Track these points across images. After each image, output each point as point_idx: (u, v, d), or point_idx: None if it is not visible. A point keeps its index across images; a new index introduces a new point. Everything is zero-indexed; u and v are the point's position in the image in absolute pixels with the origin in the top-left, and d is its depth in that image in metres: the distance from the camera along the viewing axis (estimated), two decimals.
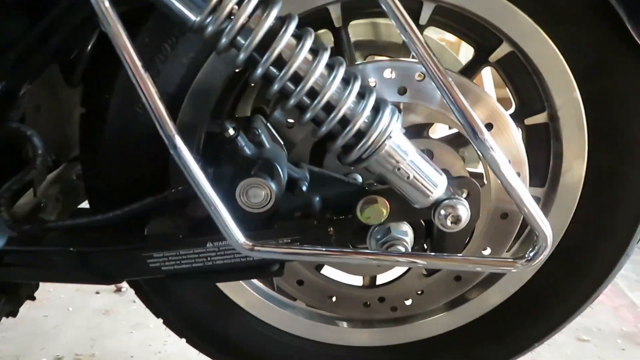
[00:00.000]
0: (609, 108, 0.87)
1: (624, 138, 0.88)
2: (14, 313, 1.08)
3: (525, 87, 0.92)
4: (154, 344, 1.45)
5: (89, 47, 0.87)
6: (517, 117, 0.95)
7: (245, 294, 1.05)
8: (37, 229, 0.84)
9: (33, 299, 1.10)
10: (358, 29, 1.10)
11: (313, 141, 0.85)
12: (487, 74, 1.40)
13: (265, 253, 0.69)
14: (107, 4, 0.62)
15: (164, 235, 0.81)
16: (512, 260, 0.68)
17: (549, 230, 0.64)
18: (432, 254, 0.75)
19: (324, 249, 0.72)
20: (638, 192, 0.91)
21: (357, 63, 0.84)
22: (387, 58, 0.84)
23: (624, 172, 0.90)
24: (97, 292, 1.70)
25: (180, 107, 0.87)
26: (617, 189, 0.92)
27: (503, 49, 0.88)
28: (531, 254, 0.65)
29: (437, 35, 1.19)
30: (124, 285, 1.71)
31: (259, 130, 0.77)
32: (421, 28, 0.90)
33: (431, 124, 0.93)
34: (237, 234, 0.66)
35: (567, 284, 1.00)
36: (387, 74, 0.81)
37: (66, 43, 0.73)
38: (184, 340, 1.11)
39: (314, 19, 0.87)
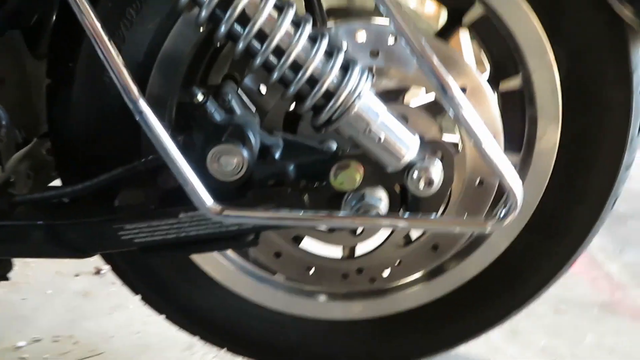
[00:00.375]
0: (581, 72, 0.86)
1: (597, 101, 0.88)
2: None
3: (499, 51, 0.92)
4: (134, 324, 1.43)
5: (53, 15, 0.85)
6: (492, 82, 0.94)
7: (223, 268, 1.04)
8: (4, 203, 0.82)
9: (6, 279, 1.08)
10: None
11: (286, 109, 0.84)
12: (466, 41, 1.37)
13: (235, 218, 0.68)
14: None
15: (135, 206, 0.79)
16: (483, 220, 0.68)
17: (519, 188, 0.64)
18: (405, 215, 0.75)
19: (296, 213, 0.70)
20: (611, 156, 0.91)
21: (329, 26, 0.82)
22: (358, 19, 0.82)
23: (597, 136, 0.90)
24: (77, 275, 1.67)
25: (149, 76, 0.85)
26: (590, 153, 0.92)
27: (476, 11, 0.87)
28: (502, 213, 0.65)
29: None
30: (104, 267, 1.69)
31: (229, 96, 0.75)
32: None
33: (406, 90, 0.92)
34: (205, 198, 0.64)
35: (543, 251, 1.00)
36: (360, 37, 0.80)
37: (23, 7, 0.71)
38: (164, 318, 1.11)
39: None
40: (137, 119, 0.63)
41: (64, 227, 0.80)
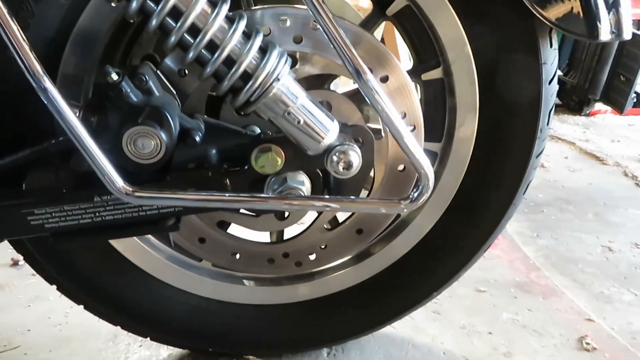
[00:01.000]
0: (496, 65, 0.90)
1: (508, 93, 0.92)
2: None
3: (422, 42, 0.94)
4: (54, 317, 1.36)
5: None
6: (415, 73, 0.97)
7: (147, 255, 1.01)
8: None
9: None
10: None
11: (207, 92, 0.82)
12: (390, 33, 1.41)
13: (147, 199, 0.66)
14: None
15: (45, 189, 0.75)
16: (397, 200, 0.70)
17: (430, 170, 0.67)
18: (324, 197, 0.76)
19: (209, 194, 0.70)
20: (523, 144, 0.97)
21: (253, 8, 0.81)
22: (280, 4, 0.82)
23: (510, 126, 0.95)
24: None
25: (62, 54, 0.81)
26: (505, 141, 0.97)
27: (399, 2, 0.89)
28: (415, 194, 0.68)
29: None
30: (21, 258, 1.60)
31: (147, 77, 0.73)
32: None
33: (331, 78, 0.93)
34: (115, 178, 0.62)
35: (462, 233, 1.05)
36: (283, 21, 0.79)
37: None
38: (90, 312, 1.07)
39: None
40: (40, 95, 0.60)
41: None
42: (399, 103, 0.89)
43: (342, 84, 1.20)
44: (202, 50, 0.63)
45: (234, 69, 0.64)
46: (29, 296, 1.46)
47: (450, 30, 0.89)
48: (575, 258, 1.66)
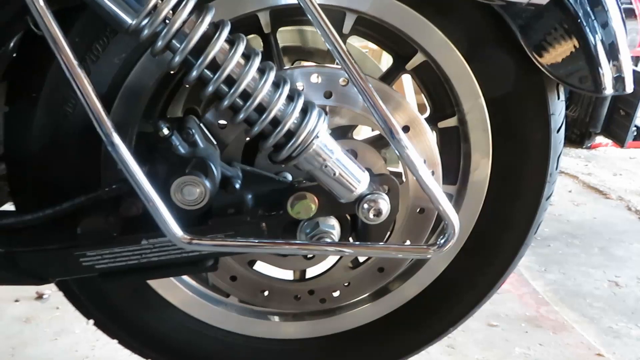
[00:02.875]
0: (507, 114, 0.98)
1: (521, 140, 0.99)
2: None
3: (438, 94, 1.02)
4: (80, 349, 1.41)
5: (12, 42, 0.86)
6: (432, 121, 1.05)
7: (178, 291, 1.07)
8: None
9: None
10: (286, 35, 1.15)
11: (245, 141, 0.89)
12: (408, 82, 1.51)
13: (203, 246, 0.72)
14: (41, 2, 0.63)
15: (97, 233, 0.81)
16: (426, 246, 0.76)
17: (456, 219, 0.73)
18: (356, 242, 0.82)
19: (258, 241, 0.76)
20: (534, 187, 1.03)
21: (286, 68, 0.89)
22: (314, 64, 0.90)
23: (522, 170, 1.02)
24: (17, 300, 1.62)
25: (112, 107, 0.88)
26: (517, 185, 1.03)
27: (418, 58, 0.97)
28: (442, 241, 0.74)
29: (359, 43, 1.27)
30: (46, 291, 1.65)
31: (193, 130, 0.80)
32: (344, 36, 0.97)
33: (355, 126, 1.00)
34: (175, 228, 0.68)
35: (476, 272, 1.11)
36: (314, 78, 0.87)
37: None
38: (112, 343, 1.11)
39: (244, 25, 0.92)
40: (109, 149, 0.67)
41: (23, 255, 0.81)
42: (419, 150, 0.96)
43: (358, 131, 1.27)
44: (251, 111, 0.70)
45: (278, 129, 0.71)
46: (55, 329, 1.51)
47: (465, 83, 0.97)
48: (583, 292, 1.70)
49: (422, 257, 0.95)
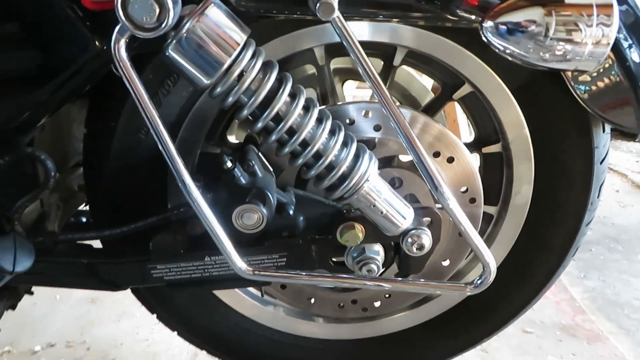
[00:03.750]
0: (552, 146, 1.01)
1: (562, 170, 1.02)
2: (13, 306, 1.17)
3: (483, 121, 1.06)
4: (141, 332, 1.55)
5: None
6: (476, 146, 1.09)
7: (232, 293, 1.17)
8: (49, 242, 0.93)
9: (31, 293, 1.19)
10: (338, 59, 1.20)
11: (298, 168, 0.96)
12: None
13: (264, 277, 0.81)
14: (124, 55, 0.71)
15: (167, 249, 0.91)
16: (464, 285, 0.82)
17: (493, 264, 0.78)
18: (399, 279, 0.89)
19: (310, 274, 0.83)
20: (574, 214, 1.06)
21: (340, 103, 0.96)
22: (365, 101, 0.95)
23: (562, 199, 1.05)
24: None
25: (178, 132, 0.97)
26: (557, 211, 1.07)
27: (465, 89, 1.01)
28: (479, 282, 0.80)
29: None
30: None
31: (252, 162, 0.88)
32: (394, 68, 1.02)
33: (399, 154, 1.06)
34: (238, 262, 0.77)
35: (513, 288, 1.16)
36: (365, 113, 0.93)
37: (85, 83, 0.82)
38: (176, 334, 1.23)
39: (301, 58, 0.99)
40: (182, 189, 0.75)
41: (103, 266, 0.93)
42: (461, 179, 1.01)
43: None
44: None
45: (332, 173, 0.78)
46: (118, 312, 1.66)
47: (510, 114, 1.00)
48: (621, 302, 1.71)
49: (461, 295, 1.01)
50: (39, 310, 1.65)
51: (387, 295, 1.15)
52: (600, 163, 1.02)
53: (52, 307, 1.67)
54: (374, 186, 0.79)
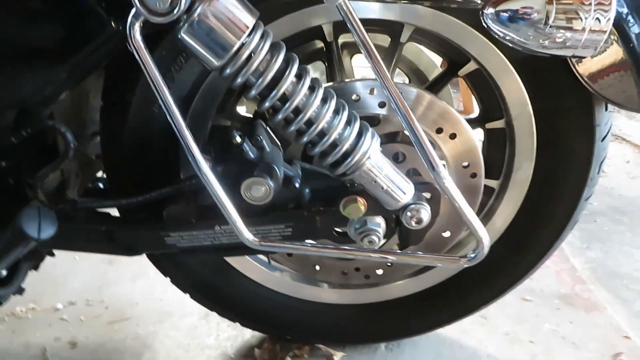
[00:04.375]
0: (554, 123, 1.03)
1: (563, 147, 1.05)
2: (36, 267, 1.25)
3: (488, 98, 1.08)
4: (155, 292, 1.63)
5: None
6: (480, 121, 1.11)
7: (240, 258, 1.23)
8: (69, 209, 0.99)
9: (53, 255, 1.26)
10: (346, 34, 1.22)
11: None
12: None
13: (269, 247, 0.86)
14: (138, 38, 0.74)
15: (179, 218, 0.97)
16: (458, 258, 0.87)
17: (487, 238, 0.82)
18: (399, 251, 0.93)
19: (314, 244, 0.89)
20: (574, 189, 1.09)
21: (347, 80, 0.98)
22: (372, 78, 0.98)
23: (563, 175, 1.08)
24: None
25: (190, 106, 1.01)
26: (556, 187, 1.10)
27: (470, 66, 1.03)
28: (472, 255, 0.84)
29: None
30: None
31: (261, 137, 0.92)
32: (401, 44, 1.03)
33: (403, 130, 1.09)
34: (245, 232, 0.82)
35: (511, 260, 1.20)
36: (371, 90, 0.96)
37: (102, 60, 0.86)
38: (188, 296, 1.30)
39: (309, 33, 1.01)
40: (192, 165, 0.79)
41: (121, 232, 0.98)
42: (463, 155, 1.04)
43: None
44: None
45: (336, 150, 0.81)
46: (133, 272, 1.73)
47: (514, 92, 1.02)
48: (621, 274, 1.75)
49: (455, 267, 1.06)
50: (59, 269, 1.72)
51: (388, 264, 1.20)
52: (602, 141, 1.05)
53: (71, 266, 1.75)
54: (375, 163, 0.83)
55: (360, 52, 1.33)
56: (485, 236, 0.81)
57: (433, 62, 1.28)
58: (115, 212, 1.11)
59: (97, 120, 1.20)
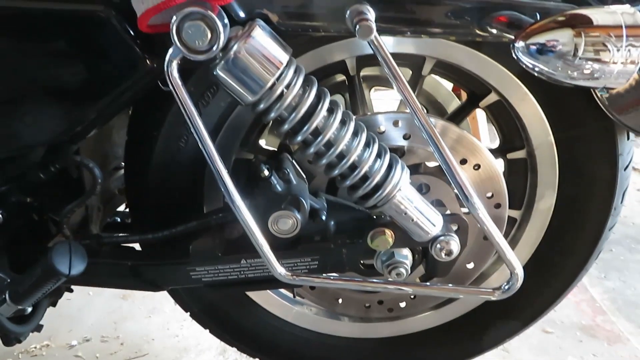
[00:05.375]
0: (576, 152, 1.03)
1: (586, 176, 1.05)
2: (54, 303, 1.24)
3: (509, 128, 1.09)
4: (171, 328, 1.61)
5: None
6: (501, 151, 1.12)
7: (262, 292, 1.22)
8: (95, 243, 0.99)
9: (71, 291, 1.26)
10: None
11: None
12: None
13: (302, 281, 0.85)
14: (176, 75, 0.75)
15: (205, 252, 0.96)
16: (491, 290, 0.86)
17: (520, 270, 0.82)
18: (428, 284, 0.93)
19: (342, 277, 0.88)
20: (596, 220, 1.09)
21: (370, 113, 0.99)
22: (394, 111, 0.99)
23: (585, 204, 1.08)
24: None
25: (215, 140, 1.02)
26: (579, 216, 1.09)
27: (491, 97, 1.04)
28: (506, 287, 0.83)
29: None
30: None
31: (288, 170, 0.92)
32: (422, 77, 1.05)
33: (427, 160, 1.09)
34: (278, 267, 0.82)
35: (535, 291, 1.19)
36: (395, 122, 0.97)
37: (133, 97, 0.87)
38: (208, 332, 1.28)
39: (332, 67, 1.02)
40: (227, 201, 0.79)
41: (146, 267, 0.98)
42: (487, 185, 1.04)
43: None
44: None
45: (367, 183, 0.82)
46: (148, 307, 1.72)
47: (536, 122, 1.03)
48: None
49: (488, 299, 1.05)
50: (73, 305, 1.71)
51: (412, 297, 1.19)
52: (625, 169, 1.05)
53: (86, 302, 1.74)
54: (405, 195, 0.83)
55: (379, 84, 1.36)
56: (519, 267, 0.80)
57: (451, 94, 1.29)
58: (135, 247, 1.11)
59: (119, 155, 1.22)
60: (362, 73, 1.16)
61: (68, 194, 1.01)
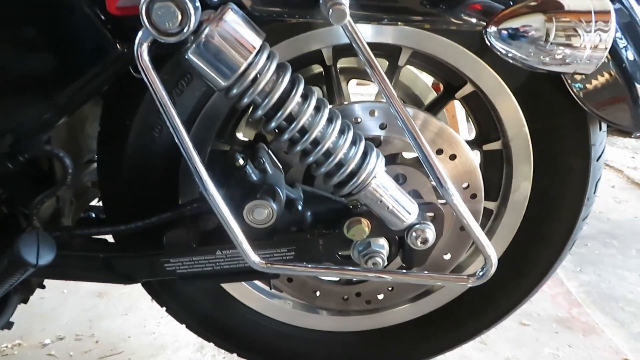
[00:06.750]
0: (551, 143, 1.04)
1: (560, 167, 1.06)
2: (25, 300, 1.21)
3: (485, 120, 1.09)
4: (148, 325, 1.59)
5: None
6: (477, 143, 1.13)
7: (239, 286, 1.20)
8: (66, 236, 0.97)
9: (43, 287, 1.22)
10: (343, 59, 1.24)
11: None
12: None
13: (276, 269, 0.84)
14: (146, 58, 0.74)
15: (179, 244, 0.95)
16: (466, 277, 0.86)
17: (494, 256, 0.82)
18: (404, 271, 0.92)
19: (318, 266, 0.87)
20: (571, 210, 1.10)
21: (346, 103, 0.99)
22: (371, 100, 0.99)
23: (560, 194, 1.09)
24: None
25: (190, 130, 1.00)
26: (554, 206, 1.11)
27: (467, 88, 1.05)
28: (481, 273, 0.84)
29: None
30: None
31: (263, 159, 0.91)
32: (399, 67, 1.05)
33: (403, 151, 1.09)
34: (252, 255, 0.81)
35: (511, 282, 1.19)
36: (371, 112, 0.96)
37: (104, 84, 0.85)
38: (176, 322, 1.26)
39: (309, 57, 1.02)
40: (198, 184, 0.78)
41: (118, 259, 0.96)
42: (463, 176, 1.04)
43: None
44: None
45: (342, 170, 0.81)
46: (125, 305, 1.69)
47: (511, 113, 1.03)
48: (616, 296, 1.76)
49: (463, 286, 1.05)
50: (47, 303, 1.67)
51: (390, 288, 1.19)
52: (597, 160, 1.06)
53: (60, 300, 1.70)
54: (381, 183, 0.83)
55: (356, 77, 1.36)
56: (493, 254, 0.81)
57: (428, 86, 1.30)
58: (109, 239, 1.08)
59: (93, 148, 1.19)
60: (339, 65, 1.15)
61: (38, 186, 0.98)
